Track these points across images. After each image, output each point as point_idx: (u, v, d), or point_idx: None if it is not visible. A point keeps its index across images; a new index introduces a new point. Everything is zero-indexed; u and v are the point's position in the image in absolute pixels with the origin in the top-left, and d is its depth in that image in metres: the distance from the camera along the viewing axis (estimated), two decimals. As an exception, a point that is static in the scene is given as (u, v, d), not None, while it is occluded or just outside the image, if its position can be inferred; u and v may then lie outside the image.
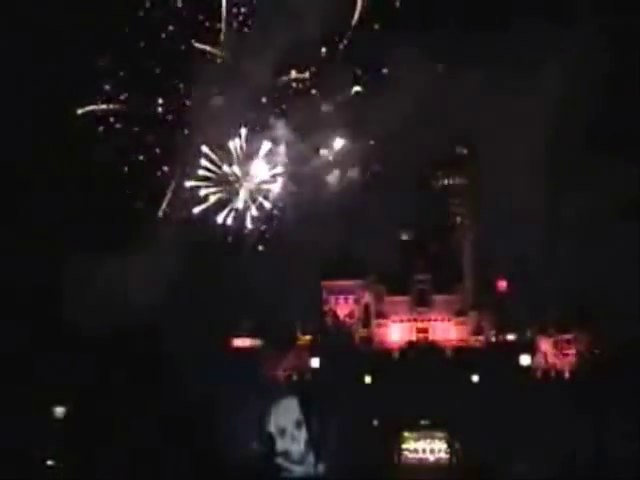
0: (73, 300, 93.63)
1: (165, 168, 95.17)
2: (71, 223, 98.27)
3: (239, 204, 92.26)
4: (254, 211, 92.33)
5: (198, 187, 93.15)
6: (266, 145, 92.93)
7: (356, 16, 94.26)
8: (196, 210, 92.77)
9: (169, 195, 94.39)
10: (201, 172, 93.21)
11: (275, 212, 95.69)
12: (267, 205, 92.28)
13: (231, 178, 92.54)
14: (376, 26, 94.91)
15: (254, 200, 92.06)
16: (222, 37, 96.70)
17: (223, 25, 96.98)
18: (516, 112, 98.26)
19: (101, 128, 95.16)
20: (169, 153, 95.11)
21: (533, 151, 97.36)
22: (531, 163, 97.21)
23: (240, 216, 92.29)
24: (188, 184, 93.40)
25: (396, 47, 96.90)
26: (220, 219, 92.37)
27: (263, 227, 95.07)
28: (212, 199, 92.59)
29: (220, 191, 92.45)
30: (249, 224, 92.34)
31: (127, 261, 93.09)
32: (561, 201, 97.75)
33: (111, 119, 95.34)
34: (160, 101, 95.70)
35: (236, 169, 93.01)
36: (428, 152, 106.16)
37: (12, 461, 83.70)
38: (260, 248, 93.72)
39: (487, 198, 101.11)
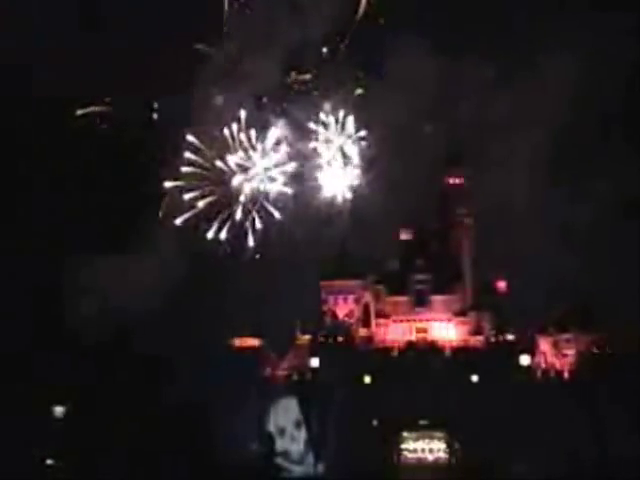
0: (74, 301, 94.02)
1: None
2: (72, 224, 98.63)
3: (236, 212, 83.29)
4: (256, 218, 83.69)
5: (182, 189, 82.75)
6: (273, 133, 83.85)
7: (361, 11, 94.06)
8: (179, 221, 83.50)
9: (166, 198, 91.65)
10: (185, 169, 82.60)
11: (278, 216, 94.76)
12: (271, 210, 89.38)
13: (226, 176, 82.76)
14: (381, 21, 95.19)
15: (254, 203, 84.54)
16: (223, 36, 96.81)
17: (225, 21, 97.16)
18: (518, 111, 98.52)
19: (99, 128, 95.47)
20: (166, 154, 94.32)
21: (534, 150, 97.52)
22: (532, 162, 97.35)
23: (238, 228, 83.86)
24: (168, 184, 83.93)
25: (398, 45, 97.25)
26: (212, 233, 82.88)
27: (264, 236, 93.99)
28: (201, 203, 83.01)
29: (212, 192, 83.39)
30: (250, 240, 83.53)
31: (127, 262, 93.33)
32: (562, 200, 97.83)
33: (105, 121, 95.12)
34: (155, 105, 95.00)
35: (232, 163, 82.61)
36: (430, 151, 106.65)
37: (12, 460, 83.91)
38: (258, 256, 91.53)
39: (487, 198, 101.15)
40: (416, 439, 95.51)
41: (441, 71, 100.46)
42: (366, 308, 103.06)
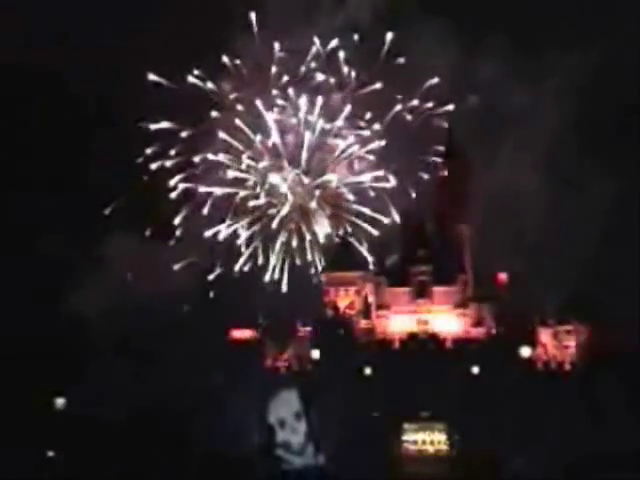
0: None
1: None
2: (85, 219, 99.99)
3: None
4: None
5: None
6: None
7: None
8: None
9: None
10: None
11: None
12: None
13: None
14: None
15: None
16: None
17: None
18: (520, 105, 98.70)
19: None
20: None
21: (536, 144, 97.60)
22: (534, 156, 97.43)
23: None
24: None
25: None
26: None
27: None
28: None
29: None
30: None
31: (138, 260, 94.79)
32: (563, 193, 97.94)
33: None
34: None
35: None
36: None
37: (13, 452, 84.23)
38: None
39: (488, 190, 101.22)
40: (417, 431, 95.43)
41: (448, 63, 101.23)
42: (366, 300, 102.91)
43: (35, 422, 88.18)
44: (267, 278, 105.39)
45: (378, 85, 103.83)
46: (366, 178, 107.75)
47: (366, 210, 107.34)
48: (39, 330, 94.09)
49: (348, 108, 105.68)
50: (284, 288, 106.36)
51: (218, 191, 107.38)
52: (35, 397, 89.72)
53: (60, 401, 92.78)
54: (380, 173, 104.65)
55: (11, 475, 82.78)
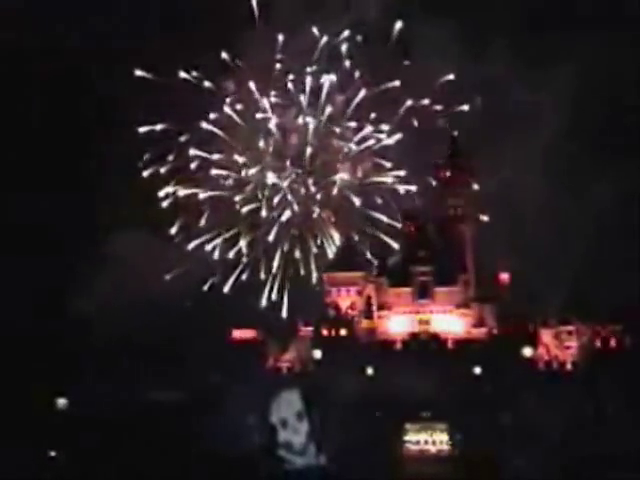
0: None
1: None
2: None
3: None
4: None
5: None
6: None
7: None
8: None
9: None
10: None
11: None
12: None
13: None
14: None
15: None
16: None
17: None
18: (521, 106, 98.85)
19: None
20: None
21: (536, 145, 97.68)
22: (534, 157, 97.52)
23: None
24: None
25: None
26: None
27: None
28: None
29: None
30: None
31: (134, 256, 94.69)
32: (564, 193, 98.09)
33: None
34: None
35: None
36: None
37: (15, 452, 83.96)
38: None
39: (489, 191, 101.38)
40: (419, 431, 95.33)
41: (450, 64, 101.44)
42: (368, 300, 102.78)
43: (37, 422, 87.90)
44: (265, 300, 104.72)
45: (386, 85, 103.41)
46: (374, 179, 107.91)
47: (383, 217, 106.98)
48: (40, 330, 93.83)
49: (352, 108, 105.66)
50: (284, 313, 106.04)
51: (217, 195, 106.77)
52: (36, 397, 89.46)
53: (61, 401, 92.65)
54: (401, 173, 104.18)
55: (12, 475, 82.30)
